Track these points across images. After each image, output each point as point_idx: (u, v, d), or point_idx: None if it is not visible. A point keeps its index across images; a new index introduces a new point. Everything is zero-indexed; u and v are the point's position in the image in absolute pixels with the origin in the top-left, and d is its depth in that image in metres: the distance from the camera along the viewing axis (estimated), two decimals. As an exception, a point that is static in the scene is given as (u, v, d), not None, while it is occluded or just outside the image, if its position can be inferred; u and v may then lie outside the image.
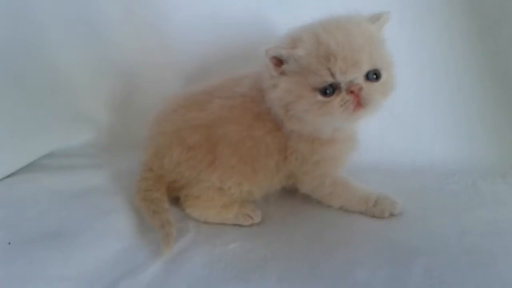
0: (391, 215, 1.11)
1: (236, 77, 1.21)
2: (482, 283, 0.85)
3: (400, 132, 1.40)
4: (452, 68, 1.39)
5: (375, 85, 1.01)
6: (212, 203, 1.14)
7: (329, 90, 0.98)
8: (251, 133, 1.11)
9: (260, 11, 1.44)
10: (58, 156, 1.57)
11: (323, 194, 1.18)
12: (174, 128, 1.16)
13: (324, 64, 0.97)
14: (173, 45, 1.55)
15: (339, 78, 0.97)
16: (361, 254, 0.98)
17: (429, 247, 0.97)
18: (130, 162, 1.40)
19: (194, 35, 1.52)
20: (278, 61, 1.03)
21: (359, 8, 1.30)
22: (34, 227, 1.12)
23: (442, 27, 1.37)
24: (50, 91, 1.56)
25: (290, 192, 1.23)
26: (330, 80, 0.97)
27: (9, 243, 1.05)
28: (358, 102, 0.98)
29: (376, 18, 1.05)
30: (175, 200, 1.19)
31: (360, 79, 0.98)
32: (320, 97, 0.99)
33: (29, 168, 1.47)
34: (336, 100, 0.98)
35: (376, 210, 1.12)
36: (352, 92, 0.98)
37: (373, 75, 1.00)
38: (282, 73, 1.03)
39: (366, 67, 0.99)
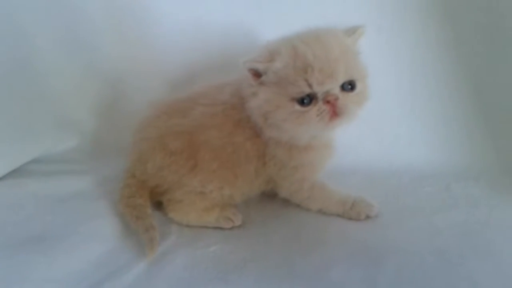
0: (367, 217, 1.14)
1: (218, 85, 1.23)
2: (450, 282, 0.88)
3: (377, 138, 1.42)
4: (428, 76, 1.41)
5: (351, 95, 1.04)
6: (194, 207, 1.16)
7: (306, 100, 1.01)
8: (232, 139, 1.14)
9: (243, 21, 1.46)
10: (44, 162, 1.57)
11: (302, 198, 1.20)
12: (157, 134, 1.17)
13: (302, 75, 1.00)
14: (158, 53, 1.55)
15: (316, 89, 1.00)
16: (337, 255, 1.00)
17: (401, 248, 1.00)
18: (115, 168, 1.42)
19: (179, 44, 1.52)
20: (256, 73, 1.06)
21: (339, 18, 1.35)
22: (20, 231, 1.12)
23: (418, 36, 1.39)
24: (36, 97, 1.55)
25: (270, 196, 1.24)
26: (307, 90, 1.00)
27: (-4, 246, 1.06)
28: (334, 111, 1.01)
29: (352, 32, 1.08)
30: (158, 205, 1.21)
31: (336, 89, 1.01)
32: (297, 107, 1.02)
33: (15, 173, 1.47)
34: (313, 110, 1.01)
35: (352, 212, 1.14)
36: (328, 102, 1.00)
37: (349, 86, 1.03)
38: (261, 84, 1.06)
39: (342, 78, 1.01)
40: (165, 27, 1.52)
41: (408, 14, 1.38)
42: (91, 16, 1.51)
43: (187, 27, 1.50)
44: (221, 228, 1.15)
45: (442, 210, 1.16)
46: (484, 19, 1.33)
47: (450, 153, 1.41)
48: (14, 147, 1.50)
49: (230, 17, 1.47)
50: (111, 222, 1.17)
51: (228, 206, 1.19)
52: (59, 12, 1.50)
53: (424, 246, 1.00)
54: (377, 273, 0.92)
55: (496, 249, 0.98)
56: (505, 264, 0.93)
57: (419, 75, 1.43)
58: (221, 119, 1.15)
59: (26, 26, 1.49)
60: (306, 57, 1.00)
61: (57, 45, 1.54)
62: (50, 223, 1.17)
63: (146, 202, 1.17)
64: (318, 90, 1.00)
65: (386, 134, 1.44)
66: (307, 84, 1.00)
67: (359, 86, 1.05)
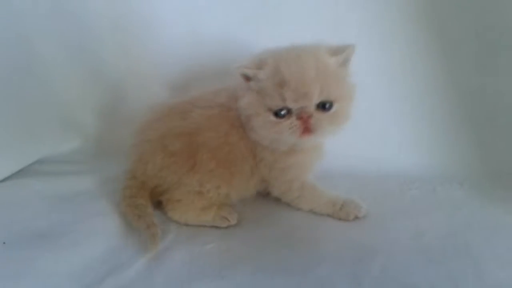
0: (356, 217, 1.16)
1: (215, 89, 1.26)
2: (432, 280, 0.91)
3: (366, 142, 1.43)
4: (415, 84, 1.44)
5: (326, 115, 1.06)
6: (192, 206, 1.18)
7: (283, 112, 1.05)
8: (227, 140, 1.16)
9: (240, 31, 1.48)
10: (47, 162, 1.59)
11: (292, 198, 1.23)
12: (158, 135, 1.19)
13: (278, 90, 1.03)
14: (158, 59, 1.58)
15: (290, 105, 1.03)
16: (326, 252, 1.03)
17: (387, 247, 1.02)
18: (115, 168, 1.43)
19: (178, 52, 1.55)
20: (246, 78, 1.09)
21: (333, 28, 1.39)
22: (26, 228, 1.14)
23: (408, 46, 1.42)
24: (41, 101, 1.58)
25: (264, 196, 1.27)
26: (282, 104, 1.04)
27: (4, 242, 1.08)
28: (307, 127, 1.04)
29: (341, 51, 1.08)
30: (157, 205, 1.22)
31: (311, 107, 1.04)
32: (272, 118, 1.06)
33: (21, 173, 1.49)
34: (285, 123, 1.05)
35: (342, 213, 1.17)
36: (301, 118, 1.04)
37: (325, 105, 1.05)
38: (248, 88, 1.10)
39: (316, 99, 1.04)
40: (164, 36, 1.55)
41: (399, 23, 1.41)
42: (95, 24, 1.54)
43: (185, 37, 1.53)
44: (217, 227, 1.17)
45: (427, 212, 1.18)
46: (472, 29, 1.36)
47: (436, 158, 1.43)
48: (20, 148, 1.52)
49: (226, 28, 1.50)
50: (113, 220, 1.18)
51: (225, 205, 1.20)
52: (65, 20, 1.53)
53: (408, 246, 1.03)
54: (363, 270, 0.95)
55: (476, 251, 1.00)
56: (484, 264, 0.95)
57: (407, 84, 1.45)
58: (218, 120, 1.18)
59: (33, 34, 1.52)
60: (283, 75, 1.03)
61: (62, 52, 1.57)
62: (55, 220, 1.18)
63: (147, 202, 1.18)
64: (292, 106, 1.04)
65: (374, 139, 1.46)
66: (282, 98, 1.03)
67: (336, 106, 1.07)
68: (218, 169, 1.17)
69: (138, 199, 1.18)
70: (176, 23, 1.52)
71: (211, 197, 1.19)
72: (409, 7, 1.39)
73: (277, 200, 1.25)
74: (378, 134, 1.47)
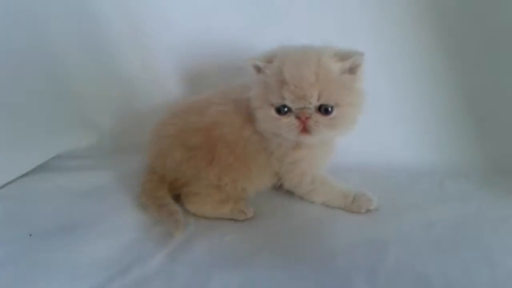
0: (368, 210, 1.16)
1: (230, 86, 1.28)
2: (445, 269, 0.91)
3: (376, 138, 1.44)
4: (423, 81, 1.44)
5: (324, 118, 1.06)
6: (210, 199, 1.18)
7: (285, 109, 1.06)
8: (242, 134, 1.17)
9: (250, 29, 1.49)
10: (66, 157, 1.60)
11: (304, 191, 1.23)
12: (177, 131, 1.21)
13: (279, 88, 1.05)
14: (173, 57, 1.59)
15: (289, 104, 1.05)
16: (340, 244, 1.03)
17: (400, 239, 1.03)
18: (132, 163, 1.46)
19: (191, 48, 1.56)
20: (257, 70, 1.10)
21: (341, 26, 1.39)
22: (50, 221, 1.15)
23: (413, 46, 1.42)
24: (60, 99, 1.59)
25: (279, 190, 1.28)
26: (281, 102, 1.05)
27: (30, 234, 1.09)
28: (304, 128, 1.05)
29: (347, 57, 1.06)
30: (175, 199, 1.22)
31: (310, 109, 1.05)
32: (274, 113, 1.08)
33: (40, 168, 1.50)
34: (285, 120, 1.07)
35: (354, 206, 1.17)
36: (299, 118, 1.05)
37: (326, 109, 1.05)
38: (258, 81, 1.11)
39: (315, 102, 1.04)
40: (179, 35, 1.56)
41: (404, 25, 1.41)
42: (111, 24, 1.55)
43: (199, 35, 1.54)
44: (234, 220, 1.17)
45: (436, 204, 1.18)
46: (474, 28, 1.36)
47: (443, 153, 1.44)
48: (40, 143, 1.54)
49: (240, 26, 1.51)
50: (133, 213, 1.20)
51: (241, 199, 1.21)
52: (82, 20, 1.54)
53: (421, 237, 1.03)
54: (378, 261, 0.95)
55: (486, 240, 1.01)
56: (494, 253, 0.96)
57: (413, 82, 1.46)
58: (232, 115, 1.19)
59: (52, 35, 1.53)
60: (284, 75, 1.04)
61: (80, 52, 1.58)
62: (77, 214, 1.20)
63: (167, 194, 1.20)
64: (291, 105, 1.05)
65: (383, 135, 1.46)
66: (281, 97, 1.05)
67: (336, 111, 1.06)
68: (235, 163, 1.18)
69: (159, 191, 1.20)
70: (190, 21, 1.53)
71: (229, 191, 1.19)
72: (413, 9, 1.39)
73: (291, 193, 1.26)
74: (387, 130, 1.47)
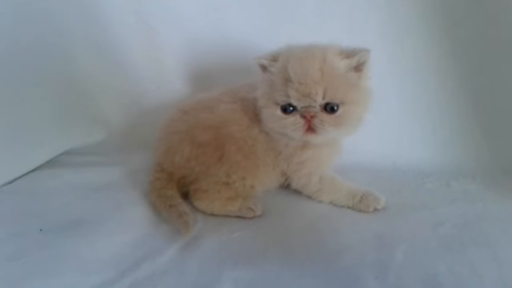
0: (375, 209, 1.16)
1: (239, 85, 1.28)
2: (454, 268, 0.92)
3: (382, 138, 1.44)
4: (429, 81, 1.44)
5: (330, 117, 1.05)
6: (218, 196, 1.18)
7: (290, 108, 1.06)
8: (250, 132, 1.18)
9: (259, 27, 1.50)
10: (74, 154, 1.61)
11: (311, 191, 1.23)
12: (186, 128, 1.21)
13: (284, 87, 1.05)
14: (181, 55, 1.60)
15: (294, 102, 1.05)
16: (349, 242, 1.03)
17: (408, 237, 1.03)
18: (139, 160, 1.47)
19: (200, 45, 1.57)
20: (263, 68, 1.11)
21: (348, 25, 1.39)
22: (61, 216, 1.16)
23: (419, 47, 1.43)
24: (69, 95, 1.60)
25: (286, 189, 1.28)
26: (287, 100, 1.05)
27: (41, 229, 1.10)
28: (309, 127, 1.05)
29: (352, 54, 1.06)
30: (183, 196, 1.22)
31: (316, 107, 1.04)
32: (279, 112, 1.08)
33: (49, 164, 1.51)
34: (290, 119, 1.07)
35: (361, 205, 1.17)
36: (305, 117, 1.05)
37: (332, 107, 1.05)
38: (263, 80, 1.12)
39: (320, 100, 1.04)
40: (187, 32, 1.56)
41: (411, 24, 1.42)
42: (120, 21, 1.56)
43: (207, 33, 1.55)
44: (242, 217, 1.17)
45: (443, 204, 1.19)
46: (482, 28, 1.37)
47: (449, 153, 1.44)
48: (49, 140, 1.54)
49: (248, 24, 1.51)
50: (143, 209, 1.20)
51: (249, 197, 1.21)
52: (91, 18, 1.55)
53: (428, 236, 1.04)
54: (387, 258, 0.96)
55: (493, 239, 1.01)
56: (501, 252, 0.96)
57: (420, 82, 1.46)
58: (240, 114, 1.19)
59: (63, 31, 1.54)
60: (289, 73, 1.04)
61: (90, 48, 1.59)
62: (87, 209, 1.20)
63: (176, 193, 1.20)
64: (296, 104, 1.05)
65: (389, 135, 1.47)
66: (286, 95, 1.05)
67: (342, 109, 1.06)
68: (244, 160, 1.18)
69: (168, 190, 1.19)
70: (199, 19, 1.54)
71: (237, 188, 1.19)
72: (420, 8, 1.40)
73: (298, 192, 1.26)
74: (393, 130, 1.48)
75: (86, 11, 1.53)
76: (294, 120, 1.06)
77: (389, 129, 1.47)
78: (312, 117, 1.04)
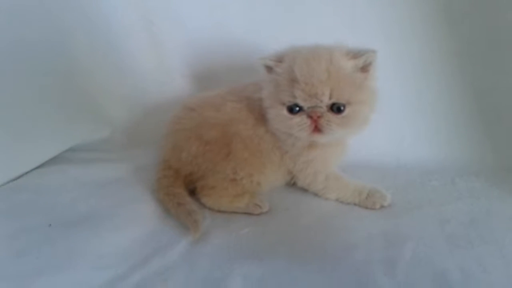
0: (382, 206, 1.17)
1: (244, 84, 1.28)
2: (462, 264, 0.92)
3: (387, 136, 1.44)
4: (433, 79, 1.44)
5: (336, 117, 1.05)
6: (225, 192, 1.19)
7: (296, 108, 1.06)
8: (256, 131, 1.18)
9: (261, 26, 1.49)
10: (79, 150, 1.61)
11: (318, 189, 1.23)
12: (193, 125, 1.21)
13: (290, 87, 1.04)
14: (185, 53, 1.59)
15: (300, 103, 1.04)
16: (357, 239, 1.03)
17: (415, 234, 1.03)
18: (144, 157, 1.48)
19: (202, 44, 1.57)
20: (268, 69, 1.11)
21: (353, 28, 1.39)
22: (68, 212, 1.17)
23: (424, 46, 1.42)
24: (74, 92, 1.59)
25: (293, 186, 1.28)
26: (293, 101, 1.05)
27: (50, 225, 1.10)
28: (316, 127, 1.05)
29: (359, 54, 1.06)
30: (189, 193, 1.23)
31: (322, 107, 1.04)
32: (285, 112, 1.08)
33: (55, 160, 1.51)
34: (296, 120, 1.06)
35: (368, 202, 1.17)
36: (311, 117, 1.05)
37: (339, 108, 1.05)
38: (269, 81, 1.11)
39: (326, 100, 1.04)
40: (190, 30, 1.56)
41: (414, 23, 1.42)
42: (124, 19, 1.55)
43: (210, 31, 1.54)
44: (249, 214, 1.18)
45: (448, 201, 1.18)
46: (486, 26, 1.37)
47: (453, 151, 1.44)
48: (55, 136, 1.54)
49: (251, 22, 1.51)
50: (150, 205, 1.21)
51: (256, 194, 1.21)
52: (94, 16, 1.54)
53: (435, 233, 1.04)
54: (396, 255, 0.96)
55: (499, 236, 1.02)
56: (508, 248, 0.97)
57: (424, 80, 1.46)
58: (246, 113, 1.20)
59: (67, 30, 1.53)
60: (295, 74, 1.03)
61: (94, 46, 1.58)
62: (95, 205, 1.21)
63: (184, 191, 1.20)
64: (303, 104, 1.05)
65: (395, 134, 1.47)
66: (292, 95, 1.04)
67: (348, 109, 1.06)
68: (251, 158, 1.18)
69: (175, 188, 1.20)
70: (201, 17, 1.54)
71: (244, 185, 1.20)
72: (424, 7, 1.40)
73: (305, 189, 1.26)
74: (397, 128, 1.48)
75: (89, 10, 1.53)
76: (301, 120, 1.06)
77: (394, 127, 1.46)
78: (318, 117, 1.04)
